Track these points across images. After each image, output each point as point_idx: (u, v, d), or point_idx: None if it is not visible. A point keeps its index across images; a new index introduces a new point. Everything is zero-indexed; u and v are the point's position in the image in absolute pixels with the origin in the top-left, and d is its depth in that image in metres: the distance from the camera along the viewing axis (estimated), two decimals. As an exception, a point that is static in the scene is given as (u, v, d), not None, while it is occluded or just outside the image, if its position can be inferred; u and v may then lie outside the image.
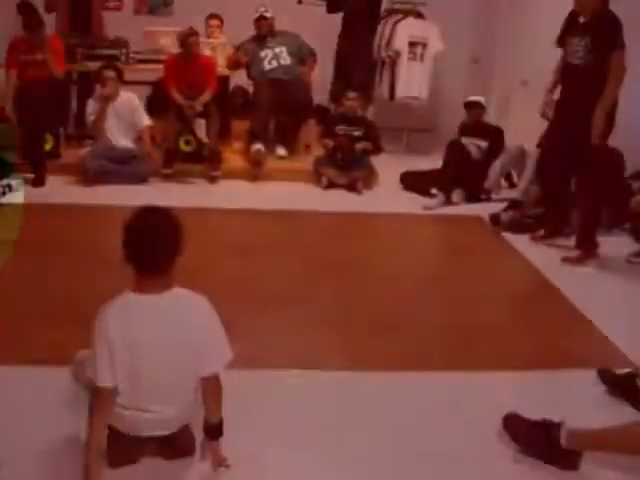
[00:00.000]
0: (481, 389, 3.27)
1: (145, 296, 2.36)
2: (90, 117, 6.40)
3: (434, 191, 6.29)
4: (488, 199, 6.35)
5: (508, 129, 6.85)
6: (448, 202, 6.17)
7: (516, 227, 5.52)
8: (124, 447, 2.50)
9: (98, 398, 2.36)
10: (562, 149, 4.93)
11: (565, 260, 4.96)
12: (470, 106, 6.49)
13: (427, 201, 6.21)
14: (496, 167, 6.38)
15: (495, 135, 6.47)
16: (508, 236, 5.45)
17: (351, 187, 6.52)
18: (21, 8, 6.28)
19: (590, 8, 4.66)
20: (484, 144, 6.36)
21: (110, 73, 6.34)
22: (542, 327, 4.01)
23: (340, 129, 6.79)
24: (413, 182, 6.58)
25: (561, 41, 4.94)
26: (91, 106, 6.41)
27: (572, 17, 4.88)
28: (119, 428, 2.47)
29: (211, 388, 2.48)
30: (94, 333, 2.34)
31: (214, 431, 2.51)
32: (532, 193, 5.63)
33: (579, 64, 4.73)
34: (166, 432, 2.52)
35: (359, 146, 6.67)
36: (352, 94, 6.86)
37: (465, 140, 6.44)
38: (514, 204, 5.78)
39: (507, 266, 5.01)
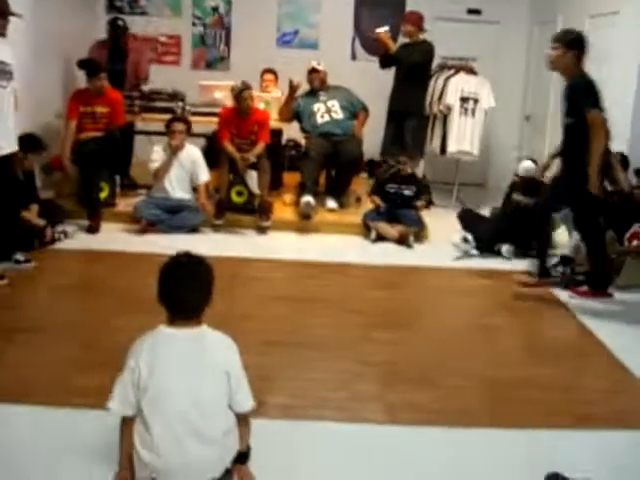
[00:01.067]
0: (524, 447, 3.19)
1: (176, 330, 2.48)
2: (154, 164, 6.51)
3: (468, 236, 6.32)
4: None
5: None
6: (481, 254, 6.20)
7: (566, 283, 5.44)
8: None
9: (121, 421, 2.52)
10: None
11: None
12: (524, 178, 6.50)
13: (462, 246, 6.34)
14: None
15: (543, 190, 6.39)
16: (558, 292, 5.37)
17: (401, 240, 6.51)
18: (81, 64, 6.57)
19: (563, 68, 4.95)
20: (529, 201, 6.29)
21: (179, 126, 6.50)
22: (590, 384, 3.92)
23: (390, 187, 6.82)
24: (470, 221, 6.60)
25: None
26: (157, 154, 6.53)
27: None
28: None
29: (240, 422, 2.58)
30: (125, 362, 2.48)
31: (242, 456, 2.62)
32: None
33: (565, 123, 5.02)
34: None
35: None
36: (402, 158, 6.84)
37: (516, 196, 6.40)
38: (565, 260, 5.70)
39: (556, 322, 4.92)
